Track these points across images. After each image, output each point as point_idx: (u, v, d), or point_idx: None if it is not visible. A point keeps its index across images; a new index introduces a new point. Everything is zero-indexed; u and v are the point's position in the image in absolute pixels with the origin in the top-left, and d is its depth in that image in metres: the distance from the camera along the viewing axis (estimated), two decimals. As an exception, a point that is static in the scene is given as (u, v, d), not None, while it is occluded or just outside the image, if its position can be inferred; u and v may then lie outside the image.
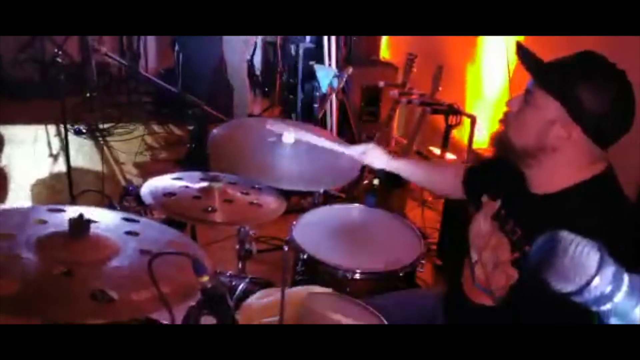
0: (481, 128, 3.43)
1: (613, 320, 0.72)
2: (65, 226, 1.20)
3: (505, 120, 1.38)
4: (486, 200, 1.51)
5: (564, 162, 1.30)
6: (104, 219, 1.31)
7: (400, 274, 1.85)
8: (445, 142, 3.43)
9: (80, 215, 1.18)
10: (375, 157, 1.83)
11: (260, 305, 1.59)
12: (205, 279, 1.07)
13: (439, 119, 3.45)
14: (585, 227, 0.81)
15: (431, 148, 3.69)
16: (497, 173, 1.50)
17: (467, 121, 3.39)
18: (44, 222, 1.25)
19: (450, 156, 3.52)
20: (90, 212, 1.27)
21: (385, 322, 1.55)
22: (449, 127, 3.39)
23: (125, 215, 1.39)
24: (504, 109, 1.39)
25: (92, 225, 1.21)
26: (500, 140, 1.40)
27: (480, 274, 1.45)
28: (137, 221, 1.37)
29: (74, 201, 2.78)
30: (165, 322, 1.44)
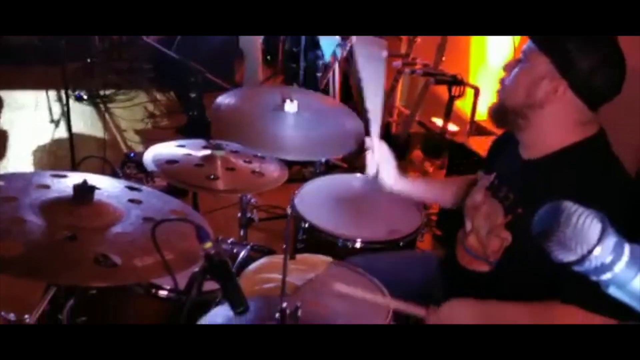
0: (485, 99, 3.41)
1: (612, 290, 0.73)
2: (68, 192, 1.21)
3: (501, 84, 1.42)
4: (481, 175, 1.55)
5: (552, 121, 1.32)
6: (107, 187, 1.32)
7: (401, 244, 1.87)
8: (448, 113, 3.42)
9: (85, 182, 1.19)
10: (386, 175, 1.70)
11: (262, 272, 1.61)
12: (209, 245, 1.08)
13: (442, 90, 3.44)
14: (575, 190, 0.81)
15: (434, 119, 3.68)
16: (496, 149, 1.57)
17: (470, 92, 3.37)
18: (47, 187, 1.26)
19: (452, 127, 3.51)
20: (94, 179, 1.28)
21: (386, 293, 1.57)
22: (452, 98, 3.38)
23: (128, 183, 1.40)
24: (502, 74, 1.42)
25: (96, 192, 1.21)
26: (495, 107, 1.43)
27: (473, 242, 1.49)
28: (140, 190, 1.38)
29: (75, 167, 2.79)
30: (167, 287, 1.47)
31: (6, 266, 1.01)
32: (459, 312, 1.41)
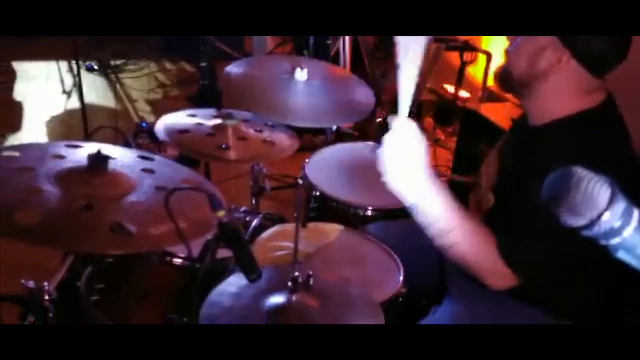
0: (497, 65, 3.37)
1: (620, 254, 0.74)
2: (82, 162, 1.22)
3: (506, 54, 1.41)
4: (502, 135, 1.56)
5: (555, 90, 1.32)
6: (120, 156, 1.33)
7: (412, 211, 1.88)
8: (460, 79, 3.39)
9: (99, 151, 1.20)
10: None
11: (274, 240, 1.63)
12: (222, 213, 1.09)
13: (454, 56, 3.39)
14: (574, 159, 0.81)
15: (445, 85, 3.64)
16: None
17: (482, 58, 3.33)
18: (62, 157, 1.28)
19: (464, 94, 3.48)
20: (107, 149, 1.29)
21: (398, 260, 1.59)
22: (464, 64, 3.34)
23: (141, 153, 1.41)
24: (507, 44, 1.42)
25: (110, 162, 1.23)
26: (500, 74, 1.43)
27: (478, 200, 1.52)
28: (152, 159, 1.39)
29: (88, 138, 2.81)
30: (182, 255, 1.49)
31: (26, 234, 1.03)
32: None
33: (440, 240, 1.28)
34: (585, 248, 0.81)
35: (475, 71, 3.53)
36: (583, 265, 1.24)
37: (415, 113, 3.24)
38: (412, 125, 1.21)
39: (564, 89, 1.31)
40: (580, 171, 0.72)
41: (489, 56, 3.28)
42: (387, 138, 1.21)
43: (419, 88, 3.29)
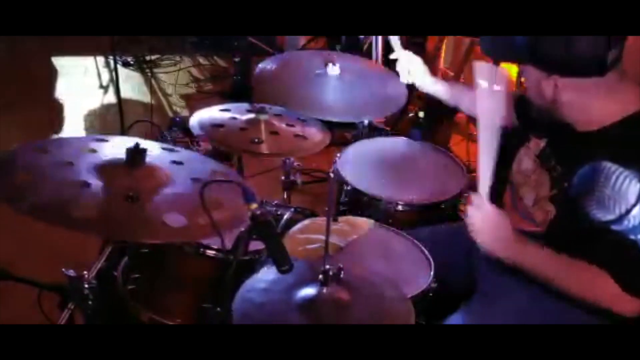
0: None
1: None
2: (116, 155, 1.25)
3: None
4: (533, 138, 1.51)
5: (580, 104, 1.30)
6: (149, 149, 1.35)
7: (443, 207, 1.87)
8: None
9: (137, 144, 1.23)
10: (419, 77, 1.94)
11: (305, 234, 1.65)
12: (254, 206, 1.11)
13: (488, 50, 3.34)
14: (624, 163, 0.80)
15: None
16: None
17: (517, 52, 3.27)
18: (95, 151, 1.31)
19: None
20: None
21: (427, 253, 1.59)
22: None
23: (164, 145, 1.44)
24: None
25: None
26: (538, 111, 1.47)
27: (522, 207, 1.48)
28: (178, 151, 1.42)
29: (125, 131, 2.87)
30: (215, 246, 1.52)
31: (89, 227, 1.07)
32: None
33: (552, 286, 1.32)
34: None
35: (509, 66, 3.47)
36: None
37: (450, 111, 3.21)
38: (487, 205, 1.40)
39: (585, 101, 1.29)
40: (610, 166, 0.72)
41: (523, 50, 3.23)
42: (471, 214, 1.41)
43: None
